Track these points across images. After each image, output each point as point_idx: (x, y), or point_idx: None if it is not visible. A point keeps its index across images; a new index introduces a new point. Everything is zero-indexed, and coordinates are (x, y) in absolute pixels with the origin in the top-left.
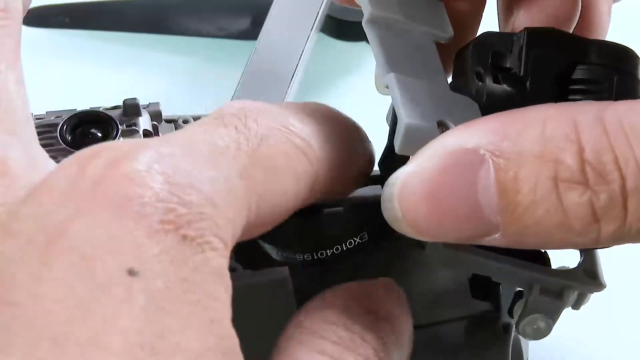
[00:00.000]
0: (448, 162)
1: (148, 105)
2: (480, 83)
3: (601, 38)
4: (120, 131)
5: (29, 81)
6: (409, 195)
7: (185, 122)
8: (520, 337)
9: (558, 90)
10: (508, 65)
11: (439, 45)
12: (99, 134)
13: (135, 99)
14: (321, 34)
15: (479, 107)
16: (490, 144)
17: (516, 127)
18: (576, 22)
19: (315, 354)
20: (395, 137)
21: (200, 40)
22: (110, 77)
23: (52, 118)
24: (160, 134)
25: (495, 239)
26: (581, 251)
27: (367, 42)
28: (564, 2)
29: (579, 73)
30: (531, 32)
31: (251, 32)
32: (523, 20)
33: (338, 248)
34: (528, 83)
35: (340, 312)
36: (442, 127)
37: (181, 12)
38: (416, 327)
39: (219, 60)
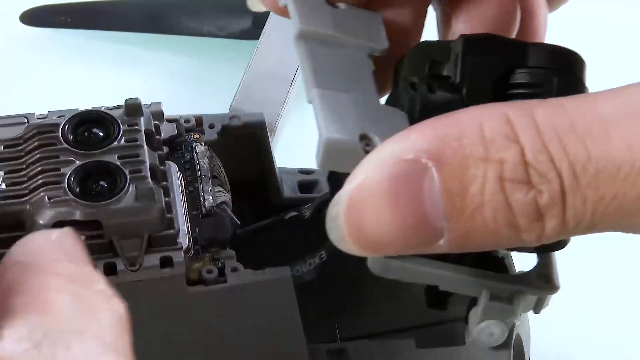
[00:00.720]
0: (390, 175)
1: (150, 105)
2: (414, 93)
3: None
4: (122, 131)
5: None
6: (352, 214)
7: (187, 121)
8: (522, 338)
9: (498, 95)
10: (445, 74)
11: (381, 58)
12: (101, 134)
13: (137, 98)
14: None
15: (414, 117)
16: (431, 152)
17: (453, 131)
18: (516, 29)
19: (56, 293)
20: (316, 153)
21: (201, 40)
22: (111, 76)
23: (54, 118)
24: (162, 134)
25: (439, 246)
26: (538, 254)
27: None
28: (503, 10)
29: (517, 77)
30: (467, 39)
31: (252, 32)
32: (462, 29)
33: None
34: (464, 90)
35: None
36: (365, 140)
37: (182, 11)
38: (416, 328)
39: (220, 60)
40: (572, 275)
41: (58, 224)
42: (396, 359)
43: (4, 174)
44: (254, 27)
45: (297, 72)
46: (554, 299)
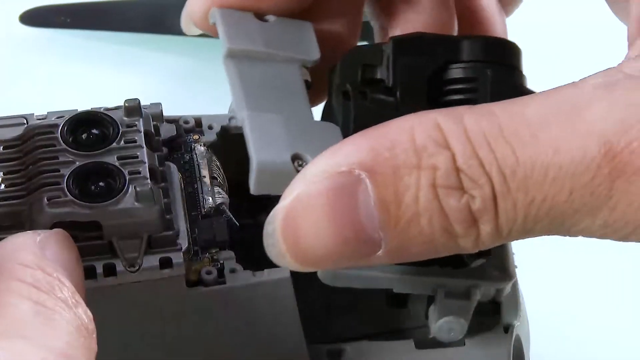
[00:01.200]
0: (324, 188)
1: (149, 106)
2: (347, 102)
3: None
4: (121, 132)
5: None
6: (289, 229)
7: (186, 122)
8: (521, 338)
9: (434, 92)
10: (379, 77)
11: (317, 68)
12: (100, 135)
13: (136, 99)
14: None
15: (348, 128)
16: (364, 163)
17: (385, 141)
18: (455, 28)
19: (15, 297)
20: (249, 178)
21: (201, 40)
22: (110, 77)
23: (53, 118)
24: (161, 135)
25: (378, 257)
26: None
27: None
28: (437, 20)
29: (452, 73)
30: (397, 40)
31: None
32: (397, 33)
33: None
34: (398, 92)
35: (30, 255)
36: (298, 160)
37: (181, 12)
38: (413, 328)
39: (219, 60)
40: (573, 275)
41: (57, 225)
42: (395, 358)
43: (3, 174)
44: None
45: None
46: (554, 299)
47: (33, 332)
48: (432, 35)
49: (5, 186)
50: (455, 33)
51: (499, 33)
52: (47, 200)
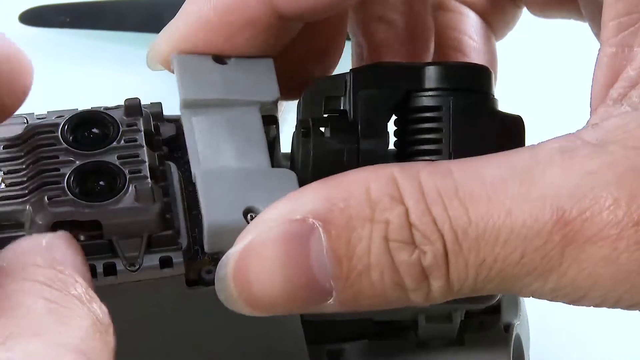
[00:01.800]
0: (278, 235)
1: (150, 105)
2: (307, 138)
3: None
4: (121, 131)
5: None
6: (241, 275)
7: None
8: (521, 337)
9: (402, 122)
10: (342, 108)
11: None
12: (100, 134)
13: (136, 98)
14: None
15: (309, 166)
16: (318, 212)
17: (341, 192)
18: (430, 50)
19: (29, 296)
20: (203, 237)
21: None
22: (110, 77)
23: (53, 118)
24: (161, 134)
25: (329, 305)
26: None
27: None
28: (413, 34)
29: (414, 102)
30: (356, 71)
31: None
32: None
33: None
34: (359, 125)
35: (40, 256)
36: (251, 213)
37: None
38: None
39: None
40: None
41: (57, 224)
42: (396, 359)
43: (4, 174)
44: None
45: None
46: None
47: (47, 330)
48: (392, 64)
49: (6, 185)
50: (430, 57)
51: (481, 59)
52: (48, 199)
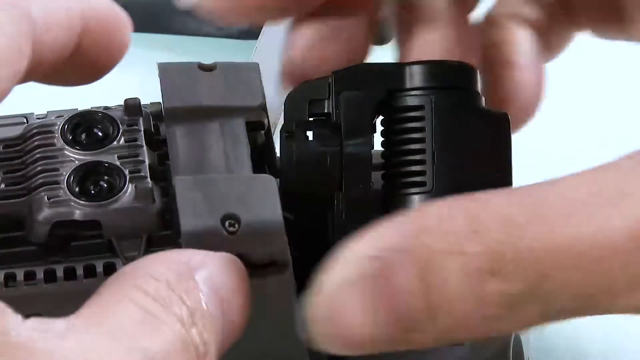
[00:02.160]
0: (363, 274)
1: (150, 105)
2: (291, 142)
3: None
4: (121, 131)
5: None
6: (333, 316)
7: None
8: (521, 338)
9: (387, 122)
10: (327, 111)
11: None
12: (100, 134)
13: (136, 98)
14: None
15: (292, 170)
16: (402, 248)
17: (422, 226)
18: (476, 56)
19: (130, 303)
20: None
21: (200, 39)
22: (110, 76)
23: (53, 118)
24: (161, 134)
25: (421, 339)
26: None
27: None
28: (458, 38)
29: (397, 102)
30: (337, 73)
31: (251, 32)
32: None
33: None
34: (342, 127)
35: (167, 270)
36: (229, 219)
37: (181, 11)
38: None
39: (218, 60)
40: None
41: (57, 224)
42: (395, 358)
43: (3, 173)
44: (253, 27)
45: None
46: None
47: (128, 334)
48: (374, 64)
49: (5, 185)
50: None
51: (531, 77)
52: (47, 199)
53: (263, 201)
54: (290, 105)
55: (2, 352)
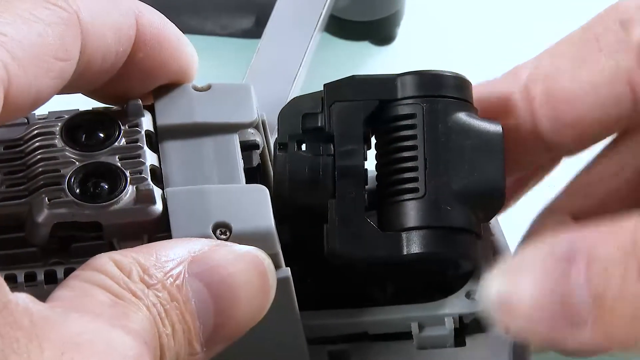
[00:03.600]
0: (547, 270)
1: (151, 106)
2: (284, 153)
3: None
4: (122, 132)
5: None
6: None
7: None
8: None
9: (377, 133)
10: (320, 125)
11: None
12: (101, 135)
13: (137, 99)
14: (325, 34)
15: (285, 181)
16: (582, 247)
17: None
18: None
19: (97, 288)
20: None
21: (202, 39)
22: None
23: (54, 118)
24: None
25: (581, 337)
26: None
27: (372, 41)
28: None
29: (388, 112)
30: (329, 85)
31: (255, 31)
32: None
33: None
34: (335, 136)
35: (147, 259)
36: (221, 228)
37: (184, 10)
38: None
39: (222, 59)
40: None
41: (58, 225)
42: (396, 359)
43: (4, 175)
44: (257, 26)
45: (299, 71)
46: None
47: (104, 314)
48: (365, 76)
49: (6, 186)
50: None
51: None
52: (48, 200)
53: (254, 210)
54: (283, 119)
55: (9, 318)
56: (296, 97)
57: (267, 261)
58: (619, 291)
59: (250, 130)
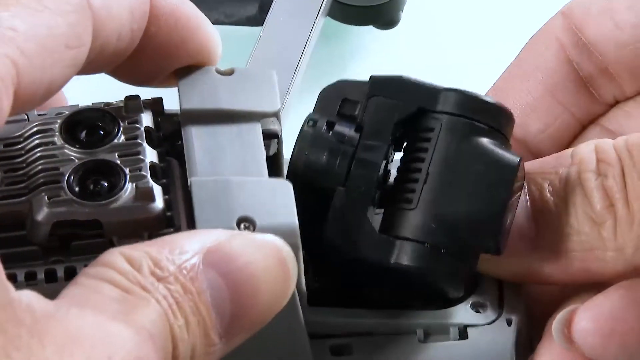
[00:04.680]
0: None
1: (150, 100)
2: (309, 129)
3: None
4: (121, 128)
5: None
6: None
7: None
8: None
9: (408, 136)
10: (356, 113)
11: None
12: (101, 131)
13: (137, 95)
14: (328, 18)
15: (302, 156)
16: None
17: None
18: None
19: (106, 283)
20: None
21: None
22: None
23: (53, 115)
24: (162, 130)
25: None
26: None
27: (375, 25)
28: None
29: (421, 120)
30: (375, 79)
31: (259, 19)
32: None
33: None
34: (364, 129)
35: (160, 253)
36: (245, 222)
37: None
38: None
39: (226, 47)
40: None
41: (57, 224)
42: (399, 353)
43: (4, 172)
44: (260, 13)
45: (302, 56)
46: None
47: (110, 309)
48: (413, 80)
49: (6, 184)
50: None
51: None
52: (48, 199)
53: (279, 205)
54: (324, 97)
55: (11, 315)
56: (343, 79)
57: (287, 249)
58: None
59: (271, 118)
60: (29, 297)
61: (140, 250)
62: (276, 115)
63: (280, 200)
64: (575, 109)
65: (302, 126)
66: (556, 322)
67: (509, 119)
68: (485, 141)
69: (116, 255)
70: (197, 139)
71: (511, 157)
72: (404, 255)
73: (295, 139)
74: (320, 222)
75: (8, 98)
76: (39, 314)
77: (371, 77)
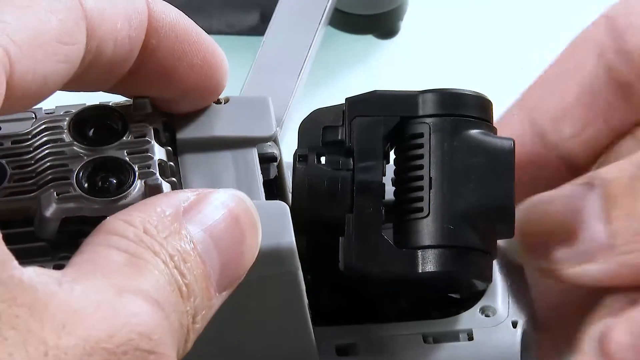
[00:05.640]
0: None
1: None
2: (302, 165)
3: None
4: (130, 126)
5: None
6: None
7: None
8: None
9: (397, 150)
10: (340, 138)
11: None
12: (109, 129)
13: (145, 96)
14: (329, 27)
15: (304, 193)
16: None
17: None
18: None
19: (112, 249)
20: None
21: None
22: None
23: (61, 112)
24: (170, 130)
25: None
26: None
27: (375, 35)
28: None
29: (406, 129)
30: (351, 100)
31: (261, 28)
32: None
33: None
34: (354, 151)
35: (146, 215)
36: None
37: (189, 9)
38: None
39: (228, 57)
40: None
41: (66, 220)
42: (404, 353)
43: (12, 169)
44: (262, 22)
45: (304, 65)
46: None
47: (117, 275)
48: (387, 92)
49: (15, 181)
50: None
51: None
52: (56, 195)
53: (275, 226)
54: (304, 131)
55: (8, 294)
56: (317, 109)
57: (248, 199)
58: None
59: (268, 142)
60: (31, 274)
61: (135, 216)
62: (272, 139)
63: (276, 221)
64: (611, 117)
65: (293, 164)
66: (589, 339)
67: (489, 104)
68: (475, 132)
69: (118, 222)
70: (192, 166)
71: (504, 141)
72: (430, 264)
73: (291, 178)
74: (332, 250)
75: (1, 85)
76: (40, 292)
77: (346, 99)
